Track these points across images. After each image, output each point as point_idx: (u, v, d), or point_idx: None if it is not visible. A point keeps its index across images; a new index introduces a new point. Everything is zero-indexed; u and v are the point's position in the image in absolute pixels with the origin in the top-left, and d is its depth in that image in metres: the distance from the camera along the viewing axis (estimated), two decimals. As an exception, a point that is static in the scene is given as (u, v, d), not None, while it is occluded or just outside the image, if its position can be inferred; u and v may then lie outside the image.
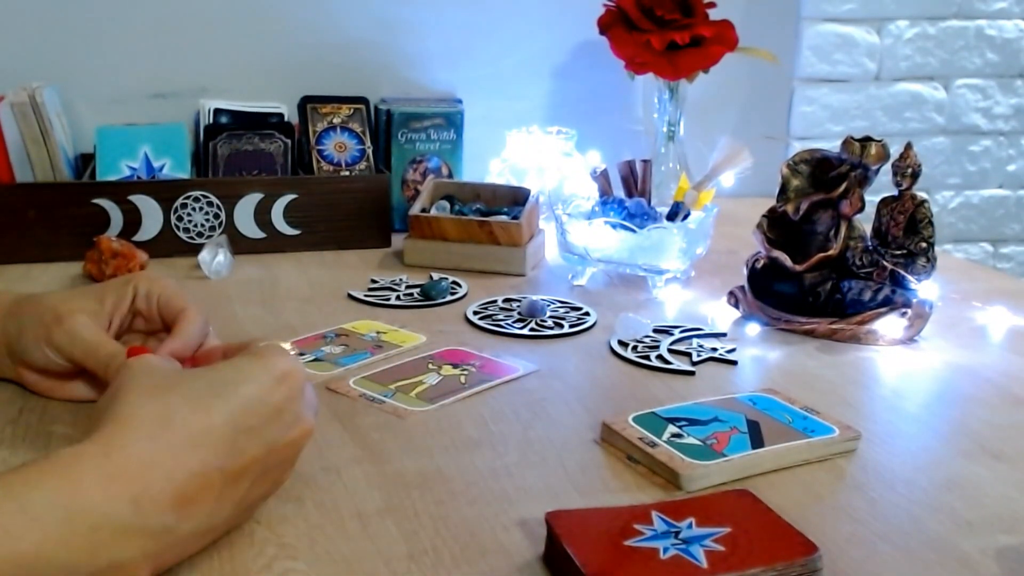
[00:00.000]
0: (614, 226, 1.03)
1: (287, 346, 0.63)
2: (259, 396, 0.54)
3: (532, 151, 1.28)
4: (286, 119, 1.27)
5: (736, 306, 0.97)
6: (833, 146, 0.95)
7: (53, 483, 0.46)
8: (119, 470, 0.48)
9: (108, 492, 0.47)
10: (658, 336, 0.90)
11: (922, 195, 0.92)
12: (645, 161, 1.11)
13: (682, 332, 0.91)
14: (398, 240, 1.18)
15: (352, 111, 1.27)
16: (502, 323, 0.93)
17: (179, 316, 0.71)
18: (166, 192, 1.13)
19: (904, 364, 0.86)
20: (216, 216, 1.14)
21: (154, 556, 0.49)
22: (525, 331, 0.91)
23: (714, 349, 0.87)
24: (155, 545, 0.48)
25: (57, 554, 0.44)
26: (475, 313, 0.96)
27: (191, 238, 1.14)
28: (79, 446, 0.49)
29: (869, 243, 0.93)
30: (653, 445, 0.66)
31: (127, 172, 1.18)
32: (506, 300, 1.00)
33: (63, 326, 0.69)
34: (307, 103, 1.27)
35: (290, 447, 0.57)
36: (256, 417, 0.54)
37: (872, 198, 0.92)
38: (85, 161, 1.24)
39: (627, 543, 0.53)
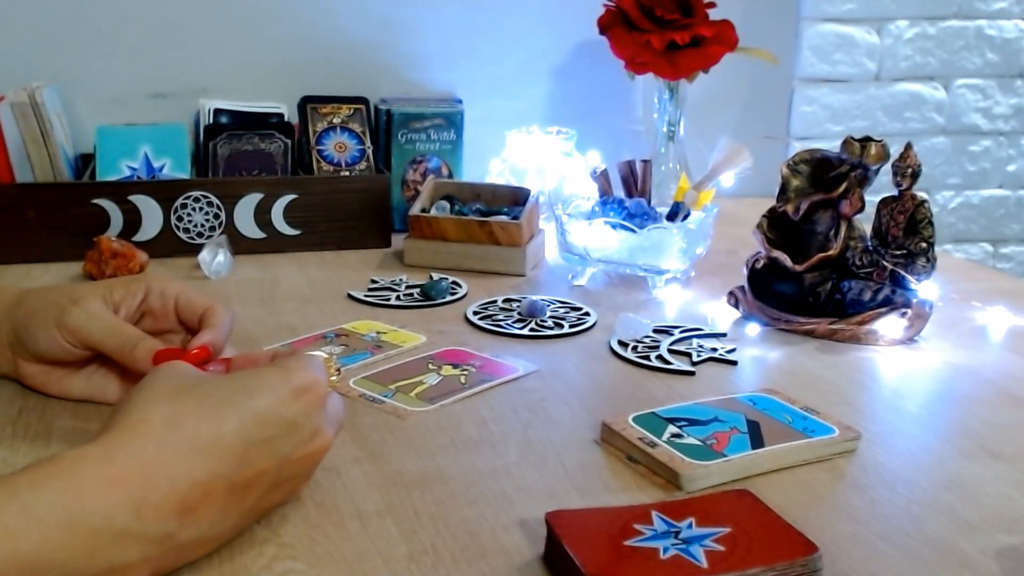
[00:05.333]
0: (614, 226, 1.03)
1: (323, 353, 0.62)
2: (274, 408, 0.54)
3: (532, 151, 1.28)
4: (286, 119, 1.27)
5: (736, 306, 0.97)
6: (833, 146, 0.95)
7: (56, 485, 0.46)
8: (121, 475, 0.48)
9: (109, 497, 0.47)
10: (658, 336, 0.90)
11: (922, 195, 0.92)
12: (645, 161, 1.11)
13: (682, 332, 0.91)
14: (398, 240, 1.18)
15: (352, 111, 1.27)
16: (502, 323, 0.93)
17: (207, 311, 0.71)
18: (166, 192, 1.13)
19: (904, 364, 0.86)
20: (216, 216, 1.14)
21: (154, 560, 0.49)
22: (525, 331, 0.91)
23: (714, 349, 0.87)
24: (155, 550, 0.48)
25: (57, 555, 0.45)
26: (475, 313, 0.96)
27: (191, 238, 1.14)
28: (84, 448, 0.49)
29: (869, 243, 0.93)
30: (653, 445, 0.66)
31: (127, 172, 1.18)
32: (506, 300, 1.00)
33: (80, 306, 0.68)
34: (307, 103, 1.27)
35: (305, 460, 0.56)
36: (269, 429, 0.53)
37: (872, 198, 0.92)
38: (85, 161, 1.24)
39: (627, 543, 0.53)
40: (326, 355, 0.61)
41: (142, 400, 0.52)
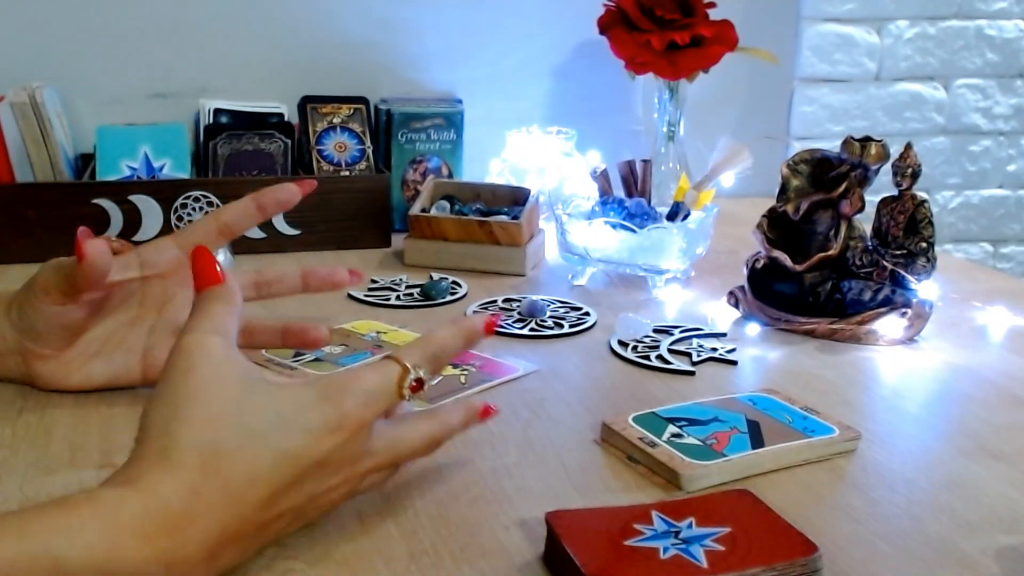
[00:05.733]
0: (614, 226, 1.03)
1: (397, 366, 0.56)
2: (308, 450, 0.52)
3: (532, 151, 1.28)
4: (286, 119, 1.27)
5: (736, 306, 0.97)
6: (833, 146, 0.95)
7: (92, 540, 0.45)
8: (156, 530, 0.47)
9: (142, 553, 0.46)
10: (658, 336, 0.90)
11: (922, 195, 0.92)
12: (645, 161, 1.11)
13: (682, 332, 0.91)
14: (398, 240, 1.18)
15: (352, 111, 1.27)
16: (502, 323, 0.93)
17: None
18: (166, 192, 1.13)
19: (904, 364, 0.86)
20: (216, 216, 1.14)
21: None
22: (525, 331, 0.91)
23: (714, 349, 0.87)
24: None
25: None
26: (475, 313, 0.96)
27: (191, 238, 1.14)
28: (121, 491, 0.48)
29: (869, 243, 0.93)
30: (653, 445, 0.66)
31: (127, 172, 1.18)
32: (506, 300, 1.00)
33: (55, 261, 0.71)
34: (307, 103, 1.27)
35: (330, 495, 0.54)
36: (299, 470, 0.52)
37: (872, 198, 0.92)
38: (85, 161, 1.24)
39: (627, 543, 0.53)
40: (401, 368, 0.55)
41: (177, 431, 0.50)
